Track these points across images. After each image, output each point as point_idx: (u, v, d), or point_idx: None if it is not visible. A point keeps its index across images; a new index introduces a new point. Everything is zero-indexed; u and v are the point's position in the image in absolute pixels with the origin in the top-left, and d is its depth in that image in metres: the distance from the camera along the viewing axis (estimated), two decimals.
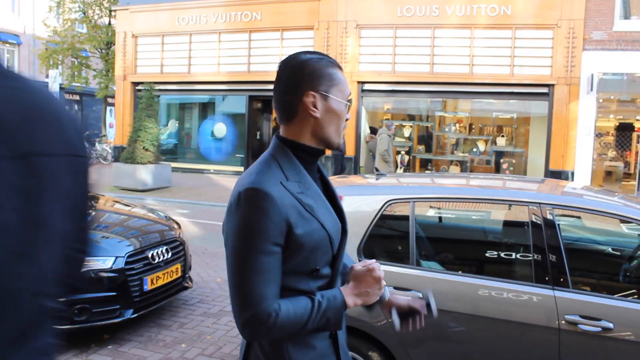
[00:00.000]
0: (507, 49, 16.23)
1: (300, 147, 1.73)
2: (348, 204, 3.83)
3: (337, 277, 1.81)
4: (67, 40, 26.70)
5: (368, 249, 3.62)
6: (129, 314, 4.99)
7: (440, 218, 4.34)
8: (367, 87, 17.61)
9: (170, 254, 5.56)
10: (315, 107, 1.69)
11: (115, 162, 17.02)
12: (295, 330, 1.64)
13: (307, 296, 1.68)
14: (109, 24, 26.71)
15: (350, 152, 17.57)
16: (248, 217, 1.58)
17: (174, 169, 17.49)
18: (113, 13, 24.97)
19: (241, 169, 19.47)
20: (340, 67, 1.76)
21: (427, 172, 17.94)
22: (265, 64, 18.47)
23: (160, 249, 5.43)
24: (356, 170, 17.61)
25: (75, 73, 29.31)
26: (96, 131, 32.22)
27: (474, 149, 17.79)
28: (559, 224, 3.43)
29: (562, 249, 3.35)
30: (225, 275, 6.57)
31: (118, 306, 4.92)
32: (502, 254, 3.88)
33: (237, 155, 19.92)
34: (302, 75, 1.69)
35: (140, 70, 21.04)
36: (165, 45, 20.56)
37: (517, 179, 5.96)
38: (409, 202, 3.70)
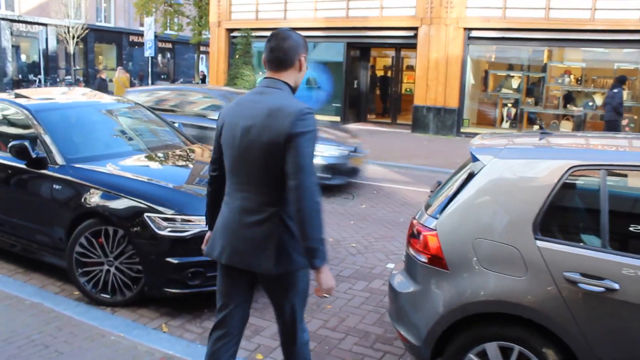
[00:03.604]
0: None
1: (293, 89, 2.66)
2: (509, 166, 3.13)
3: None
4: None
5: (546, 226, 2.93)
6: None
7: (634, 190, 3.55)
8: (474, 34, 16.41)
9: None
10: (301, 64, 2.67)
11: None
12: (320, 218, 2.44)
13: None
14: None
15: (453, 103, 16.57)
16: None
17: None
18: None
19: (337, 118, 18.86)
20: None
21: (535, 127, 16.70)
22: (364, 9, 17.42)
23: None
24: (459, 123, 16.63)
25: (169, 20, 29.54)
26: (189, 79, 32.57)
27: (590, 103, 16.34)
28: None
29: None
30: (361, 241, 5.82)
31: None
32: None
33: (333, 104, 19.30)
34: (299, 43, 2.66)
35: (235, 17, 20.52)
36: None
37: None
38: (600, 169, 2.96)
